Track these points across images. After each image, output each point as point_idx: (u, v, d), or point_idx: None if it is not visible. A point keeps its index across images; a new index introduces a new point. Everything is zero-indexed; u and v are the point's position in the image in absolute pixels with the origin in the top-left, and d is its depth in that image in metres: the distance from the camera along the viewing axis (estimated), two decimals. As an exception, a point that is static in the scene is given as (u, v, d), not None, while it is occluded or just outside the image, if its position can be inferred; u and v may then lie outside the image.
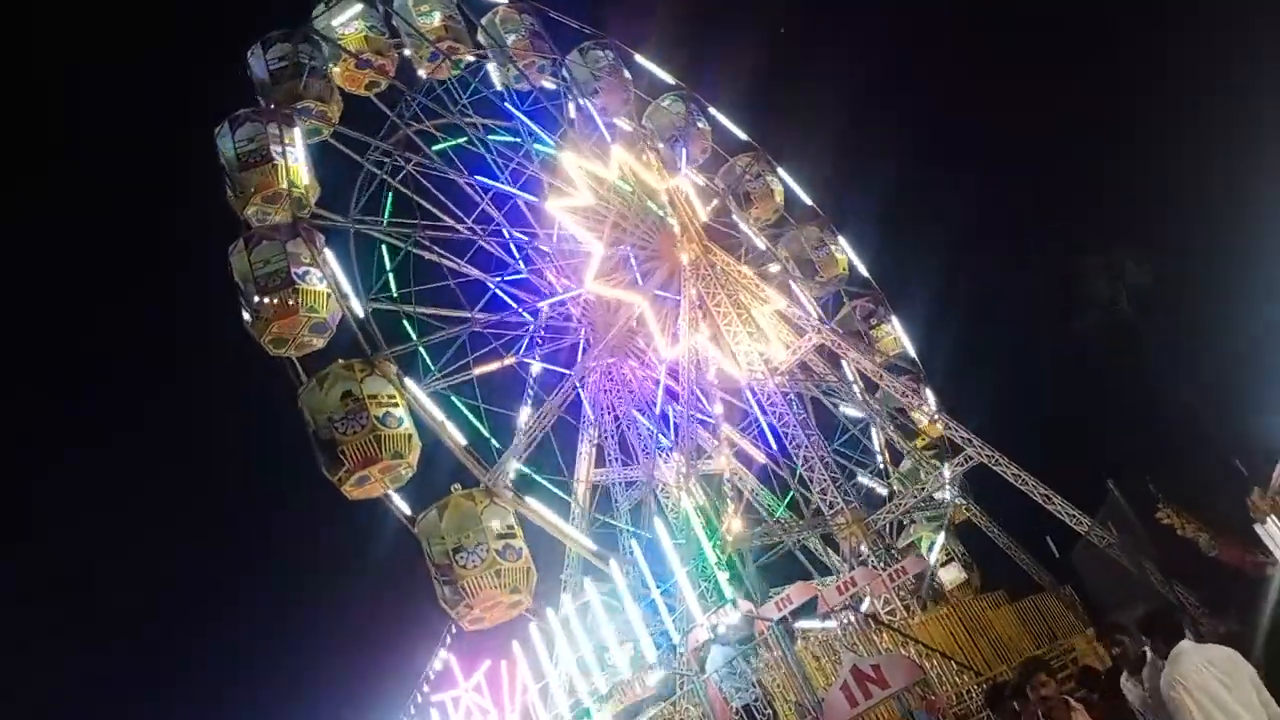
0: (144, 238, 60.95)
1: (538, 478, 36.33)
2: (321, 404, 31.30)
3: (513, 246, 39.15)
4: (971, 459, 35.27)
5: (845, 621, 22.04)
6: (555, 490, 36.95)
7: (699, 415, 37.68)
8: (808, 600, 28.65)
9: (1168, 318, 40.06)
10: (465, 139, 39.73)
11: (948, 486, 36.69)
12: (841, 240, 44.82)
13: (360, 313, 33.17)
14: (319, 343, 33.13)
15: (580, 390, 37.95)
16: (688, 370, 36.60)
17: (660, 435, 36.96)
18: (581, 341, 38.91)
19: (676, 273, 38.44)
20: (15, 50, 57.11)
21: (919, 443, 40.25)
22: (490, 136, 40.28)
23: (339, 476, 30.66)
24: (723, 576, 25.87)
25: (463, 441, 32.73)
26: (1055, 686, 8.61)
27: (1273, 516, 8.35)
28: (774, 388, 35.86)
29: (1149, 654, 8.21)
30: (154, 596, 54.31)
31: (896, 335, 43.58)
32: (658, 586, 25.37)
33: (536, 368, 39.40)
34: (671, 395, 37.27)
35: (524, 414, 37.91)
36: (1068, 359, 44.09)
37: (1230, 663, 7.47)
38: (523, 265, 39.01)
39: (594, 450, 38.36)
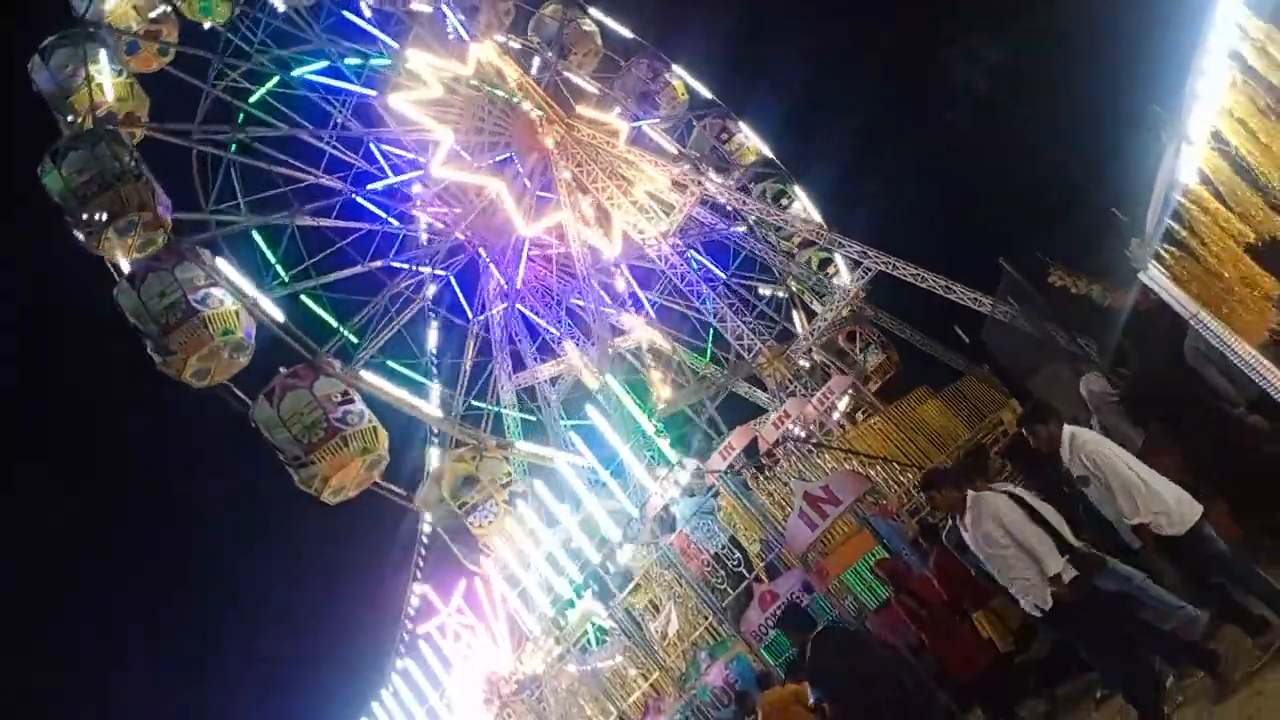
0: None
1: (392, 364, 35.69)
2: (140, 307, 29.92)
3: (374, 150, 38.13)
4: (870, 270, 36.10)
5: (788, 452, 22.79)
6: (412, 374, 36.64)
7: (604, 296, 37.77)
8: (750, 442, 29.52)
9: (1028, 88, 40.77)
10: (276, 80, 37.71)
11: (849, 300, 37.47)
12: (676, 68, 44.29)
13: (276, 315, 31.85)
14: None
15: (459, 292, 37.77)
16: (582, 254, 36.44)
17: (570, 324, 37.06)
18: (469, 246, 38.38)
19: (546, 158, 37.86)
20: None
21: (795, 240, 40.93)
22: (346, 60, 38.34)
23: (172, 365, 29.74)
24: (663, 443, 26.41)
25: (280, 318, 31.72)
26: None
27: (1152, 261, 8.81)
28: (669, 249, 35.98)
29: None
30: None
31: (752, 144, 43.66)
32: (605, 468, 25.85)
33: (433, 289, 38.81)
34: (570, 275, 37.26)
35: (431, 334, 37.68)
36: (941, 148, 44.89)
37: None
38: (387, 168, 38.06)
39: (509, 357, 38.38)
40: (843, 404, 32.23)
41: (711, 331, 38.51)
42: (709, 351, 40.70)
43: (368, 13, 39.21)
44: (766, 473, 21.43)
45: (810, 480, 18.01)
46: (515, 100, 38.35)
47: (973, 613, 11.59)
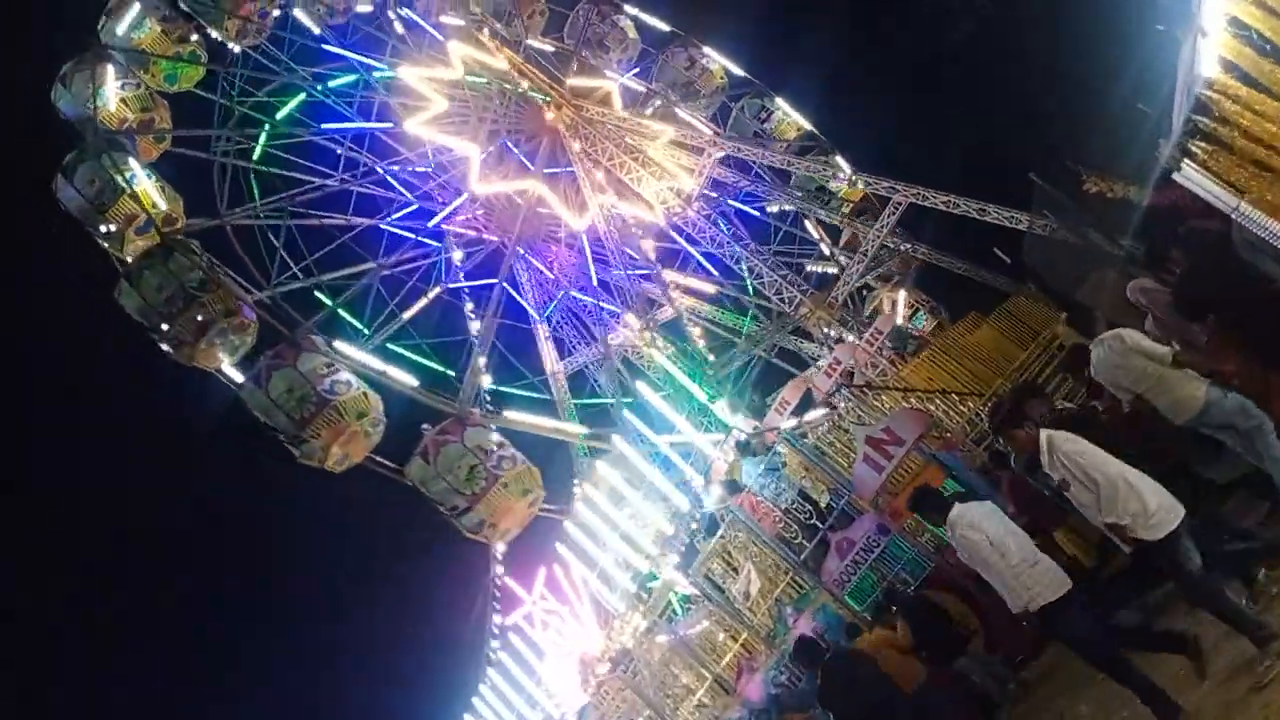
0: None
1: (508, 389, 36.85)
2: (268, 402, 30.96)
3: (391, 180, 38.33)
4: (901, 204, 35.65)
5: (844, 399, 22.77)
6: (531, 395, 37.47)
7: (635, 271, 37.78)
8: (804, 396, 29.51)
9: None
10: (302, 94, 38.16)
11: (886, 238, 37.15)
12: (709, 50, 43.93)
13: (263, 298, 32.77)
14: (250, 339, 32.40)
15: (515, 293, 37.90)
16: (608, 231, 36.44)
17: (607, 304, 37.13)
18: (505, 248, 38.58)
19: (557, 141, 37.84)
20: None
21: (846, 210, 40.63)
22: (330, 83, 38.62)
23: (318, 459, 30.84)
24: (719, 408, 26.52)
25: (414, 382, 33.02)
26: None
27: (1186, 160, 8.67)
28: (694, 215, 35.86)
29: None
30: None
31: (792, 119, 43.28)
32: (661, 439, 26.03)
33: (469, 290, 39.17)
34: (604, 262, 37.25)
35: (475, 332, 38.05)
36: (953, 76, 44.04)
37: None
38: (408, 194, 38.25)
39: (552, 343, 38.60)
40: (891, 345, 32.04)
41: (751, 288, 38.37)
42: (751, 311, 40.63)
43: (400, 28, 39.05)
44: (826, 424, 21.45)
45: (870, 424, 18.01)
46: (520, 90, 38.31)
47: (1053, 531, 11.62)
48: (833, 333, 34.02)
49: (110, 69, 34.34)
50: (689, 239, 38.21)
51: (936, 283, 38.43)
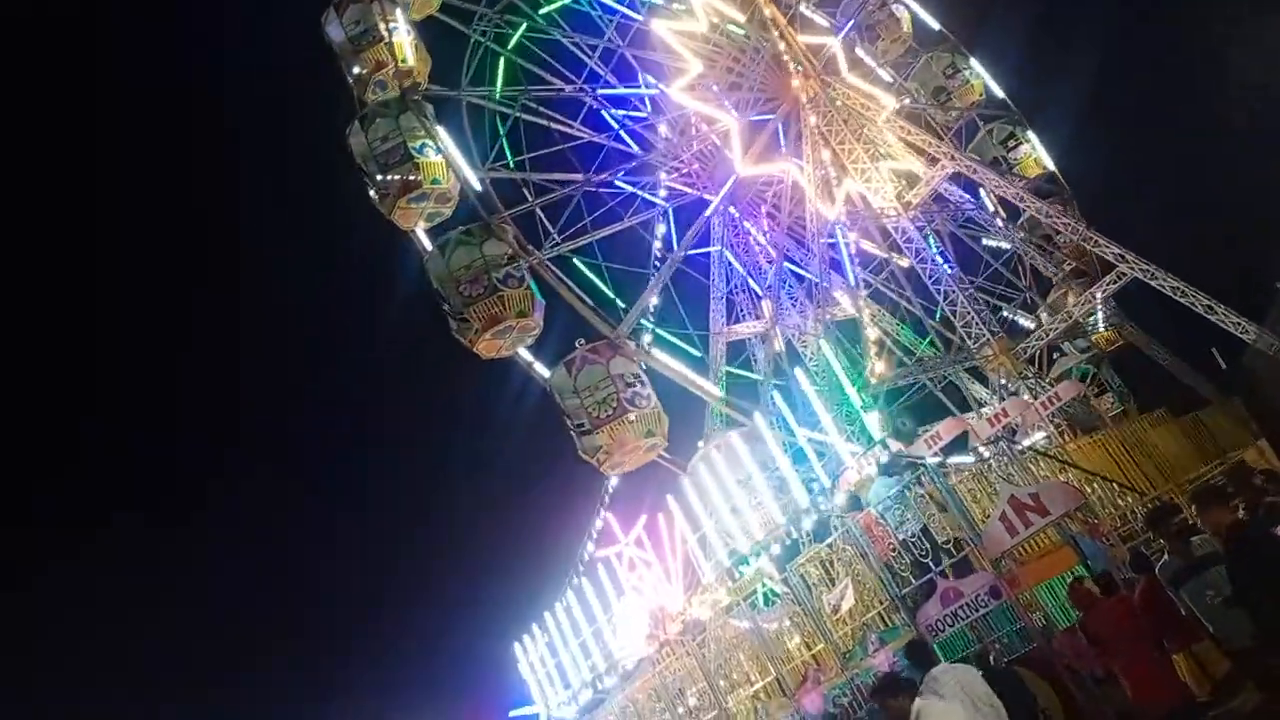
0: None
1: (665, 334, 36.89)
2: (445, 271, 32.29)
3: (610, 120, 38.86)
4: (1125, 275, 33.25)
5: (999, 453, 21.76)
6: (687, 348, 37.50)
7: (832, 256, 37.03)
8: (958, 436, 28.35)
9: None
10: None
11: (1099, 308, 35.03)
12: (974, 63, 42.11)
13: (474, 181, 33.73)
14: (446, 211, 34.01)
15: (711, 242, 37.90)
16: (814, 213, 35.74)
17: (792, 283, 36.62)
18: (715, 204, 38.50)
19: (795, 111, 37.19)
20: None
21: (1066, 267, 38.46)
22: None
23: (469, 338, 31.94)
24: (870, 418, 25.79)
25: (478, 187, 33.55)
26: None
27: None
28: (908, 222, 34.64)
29: None
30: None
31: (1037, 155, 41.06)
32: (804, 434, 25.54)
33: (661, 229, 39.38)
34: (801, 244, 36.69)
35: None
36: (1221, 159, 40.71)
37: None
38: (632, 144, 38.65)
39: (724, 306, 38.44)
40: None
41: (940, 313, 37.02)
42: (930, 335, 39.27)
43: None
44: (972, 468, 20.56)
45: (1019, 484, 17.13)
46: (781, 55, 37.74)
47: (1173, 651, 10.82)
48: (1008, 383, 32.43)
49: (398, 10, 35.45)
50: (895, 245, 37.01)
51: (1134, 361, 36.05)
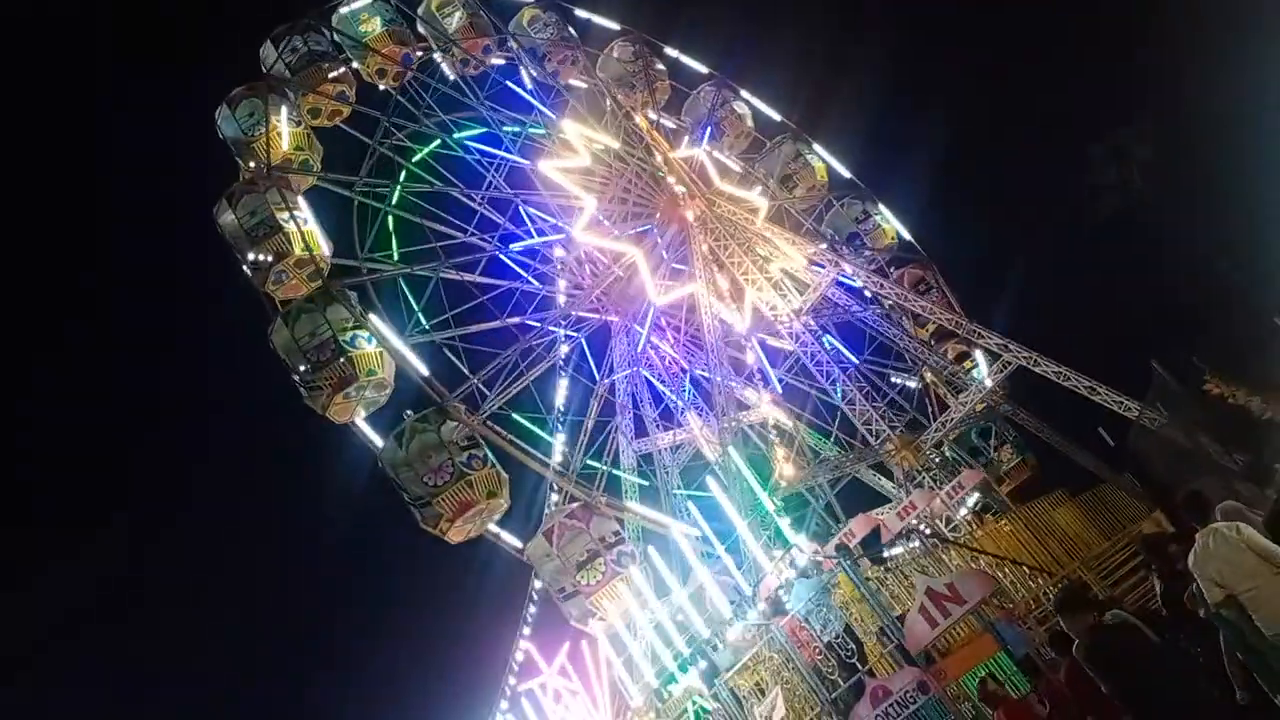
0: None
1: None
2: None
3: (508, 262, 39.31)
4: (1010, 364, 34.75)
5: (912, 545, 22.06)
6: (605, 468, 37.40)
7: (730, 370, 37.71)
8: (871, 530, 28.71)
9: (1183, 188, 39.26)
10: (436, 141, 39.64)
11: (989, 392, 36.24)
12: (818, 148, 44.26)
13: (421, 367, 33.47)
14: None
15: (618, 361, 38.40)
16: (712, 326, 36.52)
17: (696, 396, 37.07)
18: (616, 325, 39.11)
19: (685, 231, 38.33)
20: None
21: (951, 357, 39.99)
22: (463, 134, 40.07)
23: (321, 404, 31.54)
24: (782, 522, 25.94)
25: (424, 371, 33.25)
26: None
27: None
28: (801, 328, 35.64)
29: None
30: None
31: (891, 226, 43.12)
32: (720, 543, 25.51)
33: (565, 348, 39.60)
34: (701, 354, 37.38)
35: (560, 389, 38.46)
36: (1090, 247, 43.43)
37: None
38: (528, 278, 39.24)
39: (631, 421, 38.57)
40: (972, 500, 31.11)
41: (838, 415, 37.87)
42: (833, 434, 40.00)
43: (529, 84, 40.90)
44: (886, 563, 20.77)
45: (934, 575, 17.38)
46: (660, 174, 39.12)
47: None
48: (914, 475, 33.13)
49: (284, 107, 35.71)
50: (789, 350, 37.97)
51: (1031, 445, 37.26)
